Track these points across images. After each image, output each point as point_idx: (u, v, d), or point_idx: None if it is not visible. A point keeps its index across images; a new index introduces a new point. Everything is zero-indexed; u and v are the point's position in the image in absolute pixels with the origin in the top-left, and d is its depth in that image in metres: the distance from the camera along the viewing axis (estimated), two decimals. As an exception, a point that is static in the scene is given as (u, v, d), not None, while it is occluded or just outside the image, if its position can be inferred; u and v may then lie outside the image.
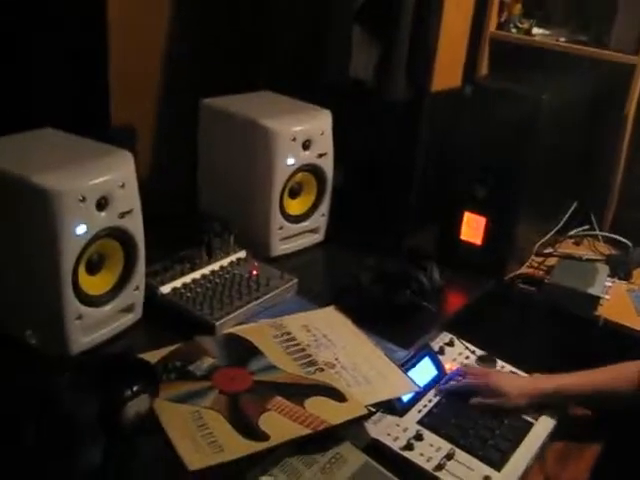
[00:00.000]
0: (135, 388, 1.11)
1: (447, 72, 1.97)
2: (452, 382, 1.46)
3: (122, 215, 1.28)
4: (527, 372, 1.54)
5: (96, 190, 1.23)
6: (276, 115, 1.67)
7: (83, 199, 1.20)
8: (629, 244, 2.00)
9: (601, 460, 1.40)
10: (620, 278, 1.88)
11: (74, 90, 1.59)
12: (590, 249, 2.05)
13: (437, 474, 1.23)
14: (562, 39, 2.07)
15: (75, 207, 1.19)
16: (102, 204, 1.24)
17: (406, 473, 1.20)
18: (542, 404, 1.43)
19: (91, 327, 1.30)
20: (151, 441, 1.13)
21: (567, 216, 2.03)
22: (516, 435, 1.37)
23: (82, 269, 1.25)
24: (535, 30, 2.11)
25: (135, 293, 1.37)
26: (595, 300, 1.72)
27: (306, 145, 1.68)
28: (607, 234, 2.08)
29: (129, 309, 1.38)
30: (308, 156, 1.70)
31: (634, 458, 1.41)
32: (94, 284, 1.29)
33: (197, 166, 1.78)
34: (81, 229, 1.21)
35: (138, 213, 1.32)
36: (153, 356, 1.29)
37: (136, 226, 1.32)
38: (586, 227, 2.10)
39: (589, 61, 1.99)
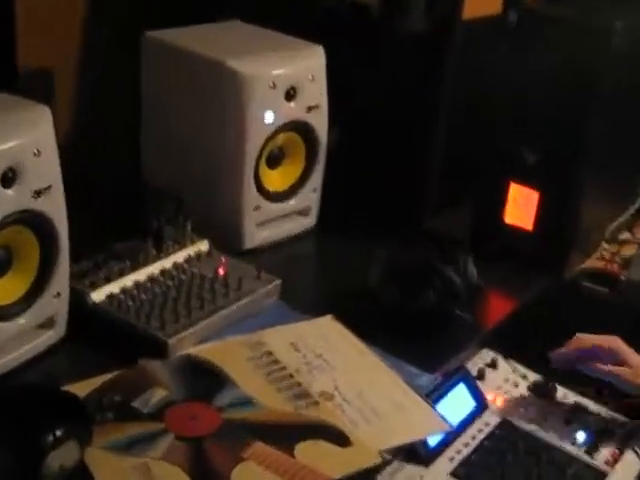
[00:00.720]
0: (59, 433, 1.09)
1: (483, -7, 1.96)
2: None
3: (37, 194, 1.27)
4: (599, 402, 1.54)
5: (0, 160, 1.20)
6: (248, 53, 1.66)
7: (-18, 172, 1.19)
8: None
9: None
10: None
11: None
12: (680, 234, 2.04)
13: None
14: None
15: (-29, 183, 1.18)
16: (9, 178, 1.22)
17: None
18: None
19: (-4, 349, 1.28)
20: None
21: (649, 190, 2.03)
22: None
23: (-18, 269, 1.24)
24: None
25: (56, 302, 1.36)
26: (688, 303, 1.72)
27: (290, 94, 1.68)
28: (702, 213, 2.08)
29: (48, 324, 1.37)
30: (293, 110, 1.69)
31: None
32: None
33: (140, 124, 1.76)
34: (-20, 214, 1.20)
35: (59, 190, 1.31)
36: (82, 388, 1.27)
37: (56, 208, 1.31)
38: (674, 204, 2.10)
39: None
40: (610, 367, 1.45)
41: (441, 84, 1.88)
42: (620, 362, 1.46)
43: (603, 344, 1.49)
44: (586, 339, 1.52)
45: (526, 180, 1.77)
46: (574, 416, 1.52)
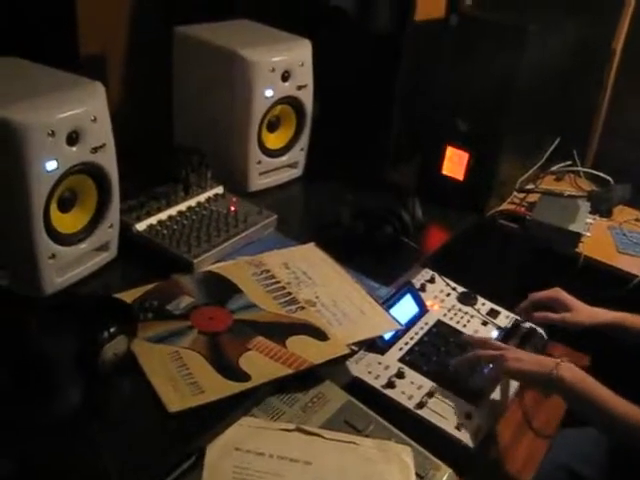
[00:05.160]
0: (112, 329, 1.08)
1: (431, 1, 1.90)
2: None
3: (94, 150, 1.23)
4: (507, 310, 1.54)
5: (66, 124, 1.17)
6: (254, 45, 1.60)
7: (52, 133, 1.14)
8: (610, 180, 1.99)
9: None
10: (601, 215, 1.88)
11: (40, 18, 1.50)
12: (571, 185, 2.04)
13: (419, 412, 1.23)
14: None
15: (44, 142, 1.13)
16: (73, 138, 1.19)
17: (388, 411, 1.19)
18: (594, 330, 1.45)
19: (65, 266, 1.26)
20: (130, 383, 1.11)
21: (549, 152, 2.01)
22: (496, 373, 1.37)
23: (54, 207, 1.21)
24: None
25: (109, 231, 1.34)
26: (576, 237, 1.72)
27: (285, 76, 1.63)
28: (589, 170, 2.07)
29: (104, 247, 1.35)
30: (287, 88, 1.65)
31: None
32: (67, 222, 1.25)
33: (172, 97, 1.71)
34: (51, 165, 1.15)
35: (111, 147, 1.27)
36: (129, 295, 1.26)
37: (109, 161, 1.27)
38: (568, 163, 2.09)
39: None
40: (554, 315, 1.45)
41: (398, 70, 1.84)
42: (564, 307, 1.45)
43: (548, 296, 1.48)
44: (536, 295, 1.50)
45: (459, 144, 1.74)
46: (489, 319, 1.53)
